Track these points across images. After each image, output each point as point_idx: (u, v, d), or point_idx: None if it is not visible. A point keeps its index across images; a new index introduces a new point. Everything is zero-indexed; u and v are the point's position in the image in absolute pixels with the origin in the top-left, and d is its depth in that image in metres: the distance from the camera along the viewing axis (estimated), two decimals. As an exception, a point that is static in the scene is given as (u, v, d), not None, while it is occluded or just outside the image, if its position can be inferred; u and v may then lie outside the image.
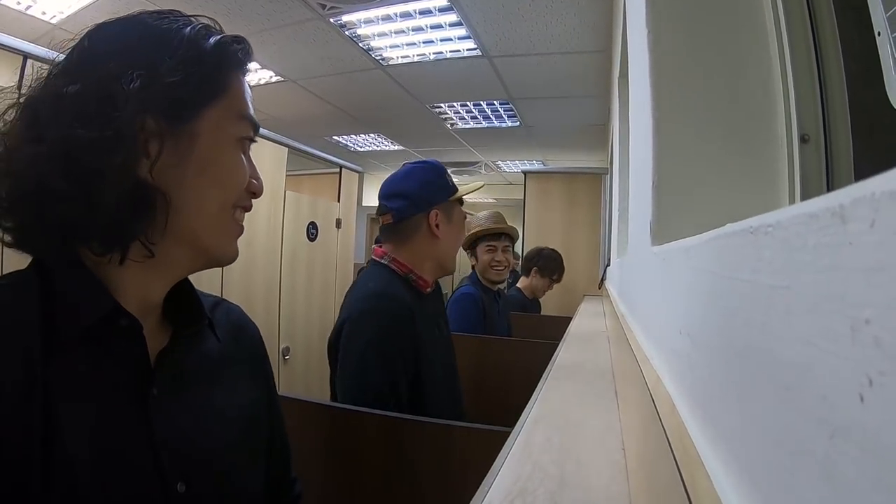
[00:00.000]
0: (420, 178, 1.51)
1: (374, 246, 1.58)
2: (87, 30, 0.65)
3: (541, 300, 3.73)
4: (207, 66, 0.65)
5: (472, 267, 2.77)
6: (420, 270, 1.46)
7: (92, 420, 0.56)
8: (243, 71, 0.72)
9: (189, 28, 0.66)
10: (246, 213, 0.72)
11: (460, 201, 1.56)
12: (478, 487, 0.60)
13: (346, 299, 1.47)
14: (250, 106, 0.72)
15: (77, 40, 0.64)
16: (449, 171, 1.59)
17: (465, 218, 1.60)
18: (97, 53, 0.62)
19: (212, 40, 0.67)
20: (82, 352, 0.57)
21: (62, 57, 0.63)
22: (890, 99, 0.54)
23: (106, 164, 0.57)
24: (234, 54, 0.69)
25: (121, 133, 0.58)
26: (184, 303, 0.72)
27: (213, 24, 0.69)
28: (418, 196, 1.49)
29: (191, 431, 0.65)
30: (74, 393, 0.56)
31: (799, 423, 0.20)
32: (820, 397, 0.19)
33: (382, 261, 1.48)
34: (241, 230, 0.71)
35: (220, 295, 0.84)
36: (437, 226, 1.48)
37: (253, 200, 0.73)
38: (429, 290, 1.50)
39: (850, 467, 0.16)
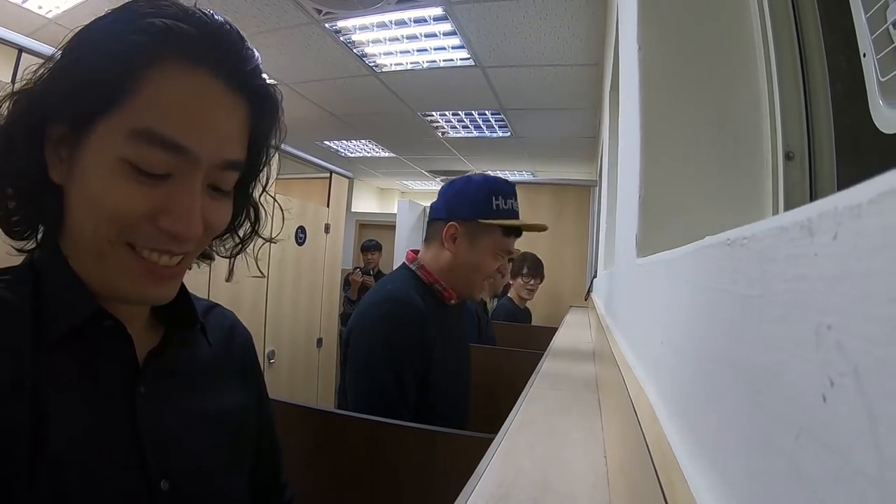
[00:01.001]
0: (461, 187, 1.45)
1: (408, 250, 1.53)
2: None
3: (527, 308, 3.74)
4: (115, 54, 0.53)
5: None
6: (443, 280, 1.42)
7: (79, 416, 0.55)
8: (190, 64, 0.55)
9: (151, 11, 0.54)
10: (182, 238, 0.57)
11: (507, 231, 1.43)
12: (460, 491, 0.60)
13: (363, 299, 1.45)
14: (171, 121, 0.54)
15: None
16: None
17: (508, 251, 1.46)
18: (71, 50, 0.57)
19: (143, 22, 0.53)
20: (72, 349, 0.57)
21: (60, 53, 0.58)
22: (874, 119, 0.55)
23: (8, 163, 0.57)
24: (161, 41, 0.53)
25: (25, 138, 0.56)
26: (177, 305, 0.69)
27: (195, 9, 0.57)
28: (446, 202, 1.44)
29: (176, 431, 0.64)
30: (63, 389, 0.55)
31: (769, 424, 0.22)
32: (788, 399, 0.20)
33: (411, 266, 1.45)
34: (144, 271, 0.57)
35: (206, 297, 0.83)
36: (452, 239, 1.41)
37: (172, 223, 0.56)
38: (453, 301, 1.45)
39: (814, 464, 0.18)
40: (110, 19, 0.56)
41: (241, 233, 0.75)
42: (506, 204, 1.42)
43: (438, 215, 1.44)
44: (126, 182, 0.54)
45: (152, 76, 0.53)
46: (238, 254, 0.76)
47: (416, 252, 1.50)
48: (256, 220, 0.76)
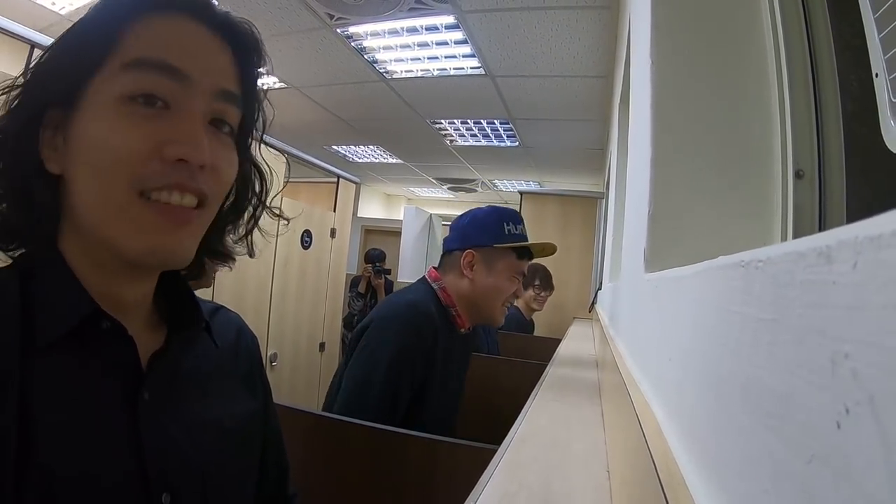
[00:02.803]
0: (475, 217, 1.53)
1: (430, 267, 1.59)
2: None
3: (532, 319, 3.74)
4: (98, 21, 0.56)
5: None
6: (459, 307, 1.48)
7: (73, 426, 0.51)
8: (169, 13, 0.57)
9: None
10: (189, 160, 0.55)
11: (520, 254, 1.52)
12: (461, 502, 0.60)
13: (386, 300, 1.53)
14: (160, 49, 0.55)
15: None
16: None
17: (522, 273, 1.54)
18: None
19: None
20: (67, 354, 0.53)
21: None
22: (884, 139, 0.55)
23: (4, 160, 0.56)
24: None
25: (21, 126, 0.55)
26: (180, 305, 0.67)
27: None
28: (463, 233, 1.52)
29: (182, 441, 0.60)
30: (55, 397, 0.51)
31: (780, 448, 0.22)
32: (800, 423, 0.20)
33: (433, 284, 1.50)
34: (158, 217, 0.55)
35: (210, 299, 0.81)
36: (470, 267, 1.48)
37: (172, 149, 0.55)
38: (463, 329, 1.51)
39: (826, 490, 0.18)
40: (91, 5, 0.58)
41: (252, 201, 0.73)
42: (516, 229, 1.51)
43: (453, 245, 1.52)
44: (127, 120, 0.53)
45: (136, 28, 0.55)
46: (252, 229, 0.74)
47: (436, 270, 1.55)
48: (262, 181, 0.73)
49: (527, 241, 1.53)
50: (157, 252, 0.56)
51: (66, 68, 0.55)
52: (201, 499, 0.60)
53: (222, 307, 0.79)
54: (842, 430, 0.17)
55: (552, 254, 1.61)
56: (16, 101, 0.56)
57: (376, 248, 5.66)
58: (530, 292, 3.58)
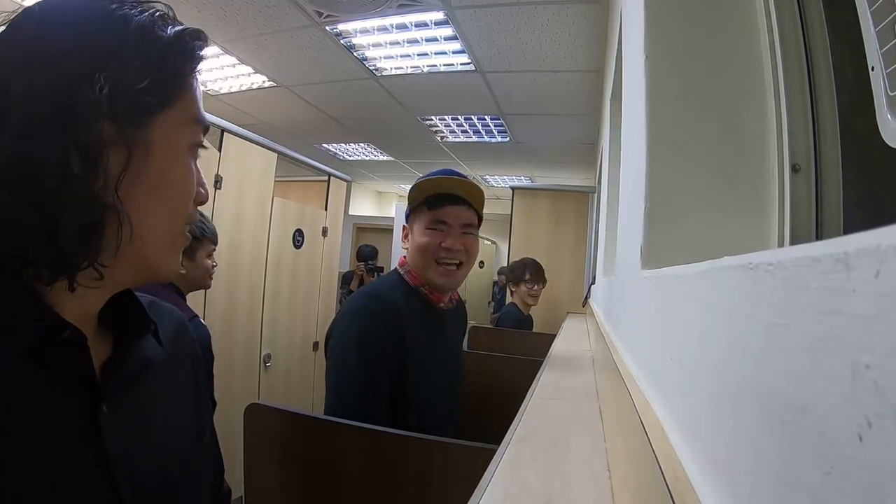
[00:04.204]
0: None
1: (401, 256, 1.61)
2: (24, 8, 0.55)
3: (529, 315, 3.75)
4: (169, 64, 0.59)
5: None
6: (421, 278, 1.48)
7: (39, 450, 0.50)
8: (198, 69, 0.65)
9: (146, 16, 0.58)
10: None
11: (430, 204, 1.47)
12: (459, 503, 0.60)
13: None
14: (202, 107, 0.65)
15: (11, 18, 0.54)
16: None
17: (441, 220, 1.47)
18: (50, 42, 0.53)
19: (171, 33, 0.60)
20: (18, 377, 0.50)
21: None
22: (881, 133, 0.55)
23: (70, 190, 0.50)
24: (193, 51, 0.62)
25: (87, 151, 0.51)
26: (121, 307, 0.65)
27: (168, 12, 0.62)
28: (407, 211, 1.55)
29: (142, 446, 0.61)
30: (15, 425, 0.49)
31: (795, 457, 0.21)
32: (818, 434, 0.19)
33: (400, 270, 1.51)
34: (187, 242, 0.66)
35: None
36: (407, 239, 1.53)
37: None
38: (442, 304, 1.50)
39: (846, 503, 0.17)
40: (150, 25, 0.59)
41: None
42: (425, 187, 1.49)
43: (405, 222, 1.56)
44: (190, 167, 0.63)
45: (191, 82, 0.63)
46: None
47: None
48: None
49: (441, 191, 1.48)
50: (178, 272, 0.66)
51: (150, 94, 0.57)
52: (166, 499, 0.63)
53: (155, 299, 0.76)
54: (864, 444, 0.16)
55: (473, 191, 1.51)
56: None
57: (368, 244, 5.65)
58: (523, 287, 3.58)
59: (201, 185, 0.65)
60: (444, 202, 1.46)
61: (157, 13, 0.60)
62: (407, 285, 1.46)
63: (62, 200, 0.50)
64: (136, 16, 0.57)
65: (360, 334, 1.30)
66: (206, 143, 0.67)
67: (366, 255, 5.40)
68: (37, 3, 0.56)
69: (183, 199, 0.62)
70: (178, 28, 0.61)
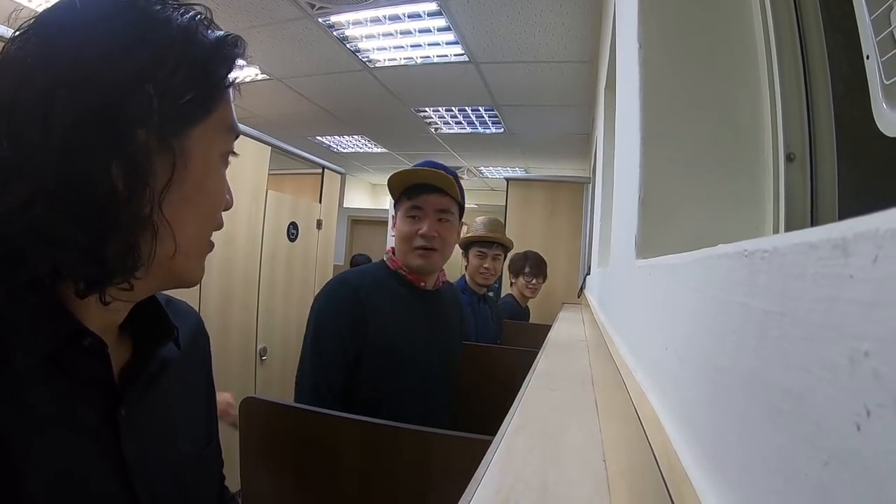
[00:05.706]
0: None
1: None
2: (54, 6, 0.52)
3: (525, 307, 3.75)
4: (211, 73, 0.58)
5: (465, 269, 2.91)
6: (405, 266, 1.55)
7: (59, 453, 0.50)
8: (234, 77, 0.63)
9: (188, 18, 0.56)
10: (230, 212, 0.66)
11: (408, 194, 1.55)
12: (456, 495, 0.60)
13: None
14: (235, 115, 0.64)
15: (37, 20, 0.51)
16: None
17: (417, 207, 1.53)
18: (87, 47, 0.49)
19: (212, 38, 0.58)
20: (41, 383, 0.50)
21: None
22: (876, 122, 0.55)
23: (120, 211, 0.50)
24: (233, 60, 0.61)
25: (136, 170, 0.50)
26: (143, 312, 0.65)
27: (206, 14, 0.60)
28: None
29: (160, 449, 0.61)
30: (38, 427, 0.49)
31: (792, 447, 0.21)
32: (815, 423, 0.19)
33: (384, 256, 1.60)
34: (211, 249, 0.64)
35: (198, 294, 0.82)
36: (394, 224, 1.61)
37: (236, 199, 0.68)
38: (424, 284, 1.56)
39: (845, 493, 0.17)
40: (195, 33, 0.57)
41: None
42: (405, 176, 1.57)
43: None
44: (222, 176, 0.63)
45: (227, 94, 0.62)
46: None
47: None
48: None
49: (417, 181, 1.54)
50: (202, 277, 0.64)
51: (194, 106, 0.56)
52: (181, 500, 0.63)
53: (171, 298, 0.75)
54: (862, 433, 0.16)
55: (442, 179, 1.53)
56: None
57: (362, 253, 5.63)
58: (521, 280, 3.58)
59: (228, 192, 0.65)
60: (420, 191, 1.53)
61: (199, 16, 0.58)
62: (387, 269, 1.56)
63: (111, 221, 0.50)
64: (178, 19, 0.56)
65: (317, 317, 1.41)
66: (235, 150, 0.66)
67: (359, 265, 5.40)
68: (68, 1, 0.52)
69: (215, 208, 0.63)
70: (218, 34, 0.59)
